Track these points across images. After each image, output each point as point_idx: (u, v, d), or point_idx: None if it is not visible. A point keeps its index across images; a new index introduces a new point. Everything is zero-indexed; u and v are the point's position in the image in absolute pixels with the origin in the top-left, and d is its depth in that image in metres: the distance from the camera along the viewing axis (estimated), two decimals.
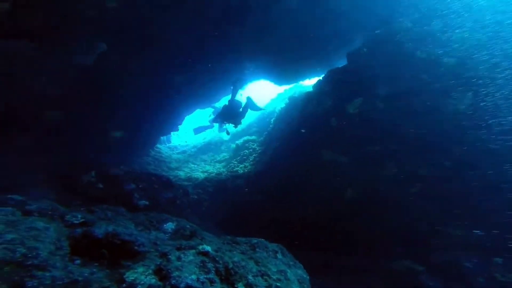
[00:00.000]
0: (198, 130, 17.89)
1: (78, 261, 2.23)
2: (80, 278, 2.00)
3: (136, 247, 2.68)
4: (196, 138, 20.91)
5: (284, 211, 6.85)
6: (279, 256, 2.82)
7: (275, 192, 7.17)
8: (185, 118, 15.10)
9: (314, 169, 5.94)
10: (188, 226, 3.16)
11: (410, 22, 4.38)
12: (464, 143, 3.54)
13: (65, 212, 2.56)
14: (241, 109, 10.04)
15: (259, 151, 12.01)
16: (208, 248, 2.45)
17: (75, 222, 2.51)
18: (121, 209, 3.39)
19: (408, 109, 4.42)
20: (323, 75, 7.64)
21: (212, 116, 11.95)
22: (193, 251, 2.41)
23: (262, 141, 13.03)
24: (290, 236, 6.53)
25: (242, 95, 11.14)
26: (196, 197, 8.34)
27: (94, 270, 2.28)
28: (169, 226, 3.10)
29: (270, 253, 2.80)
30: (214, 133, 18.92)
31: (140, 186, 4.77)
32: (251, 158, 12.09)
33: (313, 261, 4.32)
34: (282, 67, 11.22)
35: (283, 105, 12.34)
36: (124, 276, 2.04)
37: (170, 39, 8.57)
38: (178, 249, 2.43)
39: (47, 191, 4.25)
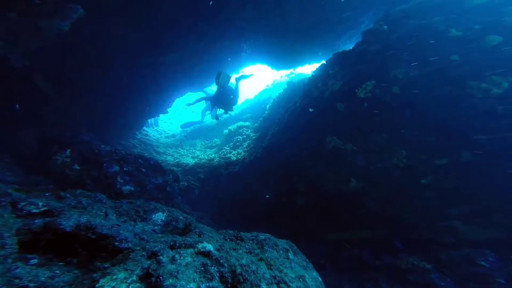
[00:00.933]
0: (185, 125, 17.04)
1: (34, 261, 1.67)
2: (31, 285, 1.45)
3: (117, 243, 2.14)
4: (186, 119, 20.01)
5: (282, 201, 6.46)
6: (291, 255, 2.36)
7: (273, 180, 6.73)
8: (176, 100, 14.24)
9: (317, 157, 5.50)
10: (181, 218, 2.63)
11: None
12: (495, 132, 3.16)
13: (19, 198, 1.95)
14: (231, 96, 9.60)
15: (253, 137, 11.48)
16: (209, 246, 1.94)
17: (34, 211, 1.91)
18: (100, 195, 2.79)
19: (429, 94, 3.98)
20: (326, 59, 7.12)
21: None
22: (191, 250, 1.89)
23: (256, 127, 12.48)
24: (288, 227, 6.20)
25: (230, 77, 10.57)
26: (186, 184, 7.77)
27: (57, 271, 1.73)
28: (159, 217, 2.56)
29: (281, 252, 2.34)
30: (206, 118, 18.15)
31: (124, 169, 4.14)
32: (245, 144, 11.56)
33: (312, 254, 3.97)
34: (283, 49, 10.54)
35: (280, 91, 11.76)
36: (97, 286, 1.51)
37: (161, 11, 7.66)
38: (172, 247, 1.91)
39: (10, 172, 3.56)
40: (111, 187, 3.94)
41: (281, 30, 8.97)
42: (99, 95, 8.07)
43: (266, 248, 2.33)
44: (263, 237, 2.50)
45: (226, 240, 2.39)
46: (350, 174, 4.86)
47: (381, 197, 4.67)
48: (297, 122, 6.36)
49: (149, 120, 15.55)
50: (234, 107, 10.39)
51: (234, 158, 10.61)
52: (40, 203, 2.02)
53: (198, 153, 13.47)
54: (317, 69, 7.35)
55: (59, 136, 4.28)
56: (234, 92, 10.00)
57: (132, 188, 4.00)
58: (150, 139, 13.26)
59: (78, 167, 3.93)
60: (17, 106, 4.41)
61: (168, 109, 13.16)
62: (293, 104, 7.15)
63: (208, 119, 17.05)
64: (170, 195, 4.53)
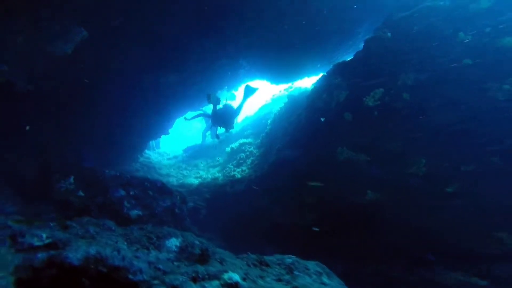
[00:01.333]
0: (188, 150, 16.91)
1: None
2: None
3: (130, 276, 1.89)
4: (187, 142, 19.93)
5: (294, 217, 6.15)
6: (325, 279, 2.10)
7: (283, 196, 6.47)
8: (176, 120, 14.25)
9: (328, 169, 5.29)
10: (197, 242, 2.38)
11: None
12: None
13: (20, 230, 1.74)
14: (231, 114, 9.59)
15: (256, 153, 11.30)
16: (236, 277, 1.70)
17: (36, 244, 1.70)
18: (108, 222, 2.57)
19: (442, 98, 3.88)
20: (327, 70, 7.17)
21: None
22: (217, 282, 1.65)
23: (259, 143, 12.34)
24: (302, 244, 5.84)
25: (226, 101, 10.65)
26: (192, 204, 7.46)
27: None
28: (173, 242, 2.32)
29: (314, 276, 2.08)
30: (207, 138, 18.08)
31: (131, 193, 3.92)
32: (249, 161, 11.35)
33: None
34: (281, 64, 10.70)
35: (281, 105, 11.78)
36: None
37: (161, 32, 7.83)
38: (195, 279, 1.67)
39: (10, 202, 3.34)
40: (118, 213, 3.70)
41: (277, 45, 9.14)
42: (99, 119, 8.00)
43: (296, 273, 2.07)
44: (290, 260, 2.25)
45: (249, 266, 2.14)
46: (366, 186, 4.64)
47: (402, 208, 4.41)
48: (303, 135, 6.24)
49: (150, 143, 15.45)
50: (234, 125, 10.38)
51: (239, 176, 10.35)
52: (44, 235, 1.80)
53: (201, 173, 13.21)
54: (318, 80, 7.37)
55: (62, 164, 4.12)
56: (235, 110, 9.98)
57: (140, 212, 3.76)
58: (152, 162, 13.08)
59: (82, 194, 3.71)
60: (27, 127, 4.28)
61: (169, 130, 13.11)
62: (297, 116, 7.07)
63: (209, 139, 16.96)
64: (178, 217, 4.27)
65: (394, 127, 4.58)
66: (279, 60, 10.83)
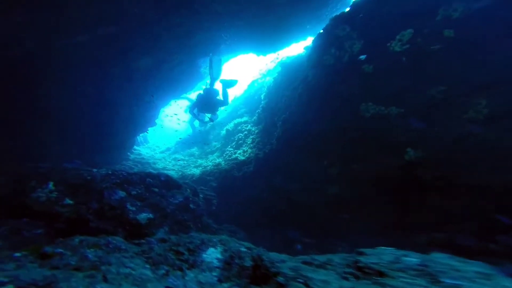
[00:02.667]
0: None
1: None
2: None
3: None
4: (178, 134, 18.84)
5: (314, 192, 5.60)
6: None
7: (298, 171, 5.86)
8: (161, 110, 13.10)
9: (351, 131, 4.64)
10: (243, 249, 1.70)
11: None
12: None
13: None
14: (218, 97, 8.80)
15: (256, 131, 10.56)
16: None
17: None
18: (113, 238, 1.81)
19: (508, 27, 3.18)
20: (317, 31, 6.38)
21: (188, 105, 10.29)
22: None
23: (256, 120, 11.55)
24: (329, 222, 5.34)
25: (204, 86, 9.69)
26: (201, 196, 6.78)
27: None
28: (212, 254, 1.63)
29: None
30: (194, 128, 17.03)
31: (132, 193, 3.15)
32: (249, 140, 10.63)
33: None
34: (266, 29, 9.62)
35: (275, 75, 10.87)
36: None
37: (124, 11, 6.54)
38: None
39: None
40: (122, 219, 2.95)
41: (260, 6, 8.03)
42: (74, 118, 6.90)
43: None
44: (416, 260, 1.48)
45: (345, 279, 1.42)
46: (404, 143, 4.01)
47: (457, 165, 3.74)
48: (313, 98, 5.49)
49: (138, 138, 14.31)
50: (225, 107, 9.41)
51: (242, 157, 9.66)
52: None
53: (200, 161, 12.42)
54: (316, 38, 6.49)
55: (35, 168, 3.24)
56: (223, 94, 9.02)
57: (150, 215, 3.03)
58: (145, 157, 12.10)
59: (70, 201, 2.91)
60: None
61: (156, 121, 12.02)
62: (301, 81, 6.26)
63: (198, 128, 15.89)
64: (196, 213, 3.59)
65: (434, 71, 3.88)
66: (264, 25, 9.71)
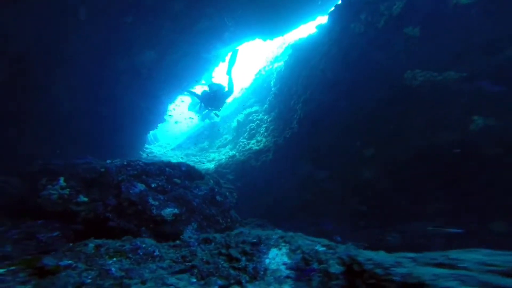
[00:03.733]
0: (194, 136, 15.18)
1: None
2: None
3: None
4: (186, 132, 18.48)
5: (347, 178, 5.06)
6: None
7: (327, 154, 5.31)
8: (168, 106, 12.67)
9: (396, 102, 4.00)
10: (320, 248, 1.20)
11: None
12: None
13: None
14: (224, 90, 8.64)
15: (268, 119, 10.01)
16: None
17: None
18: (142, 241, 1.32)
19: None
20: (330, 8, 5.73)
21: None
22: None
23: (267, 108, 10.98)
24: (371, 212, 4.78)
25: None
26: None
27: None
28: (277, 257, 1.13)
29: None
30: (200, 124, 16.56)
31: (153, 186, 2.70)
32: (262, 129, 10.10)
33: None
34: (274, 9, 8.96)
35: (286, 57, 10.21)
36: None
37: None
38: None
39: None
40: (145, 216, 2.51)
41: None
42: (81, 117, 6.51)
43: None
44: None
45: None
46: (469, 111, 3.36)
47: None
48: (341, 71, 4.87)
49: (148, 136, 13.99)
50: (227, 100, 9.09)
51: (256, 147, 9.17)
52: None
53: (212, 155, 12.01)
54: (336, 10, 5.83)
55: (45, 165, 2.81)
56: (228, 82, 8.71)
57: (176, 210, 2.57)
58: (157, 155, 11.75)
59: (85, 199, 2.48)
60: None
61: (164, 117, 11.62)
62: (324, 55, 5.63)
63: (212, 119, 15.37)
64: (223, 206, 3.12)
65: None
66: (270, 6, 9.06)
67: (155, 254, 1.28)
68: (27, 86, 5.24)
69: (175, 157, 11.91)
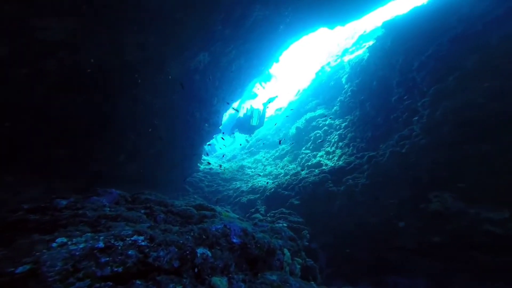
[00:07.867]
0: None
1: None
2: None
3: None
4: (241, 139, 17.32)
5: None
6: None
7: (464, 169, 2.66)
8: (223, 115, 11.54)
9: None
10: None
11: None
12: None
13: None
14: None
15: (344, 124, 7.50)
16: None
17: None
18: None
19: None
20: None
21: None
22: None
23: (338, 111, 8.44)
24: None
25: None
26: (283, 223, 4.30)
27: None
28: None
29: None
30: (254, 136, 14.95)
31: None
32: (334, 138, 7.65)
33: None
34: None
35: (373, 39, 7.61)
36: None
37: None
38: None
39: None
40: None
41: None
42: (133, 129, 5.52)
43: None
44: None
45: None
46: None
47: None
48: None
49: (205, 147, 13.19)
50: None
51: (328, 162, 6.79)
52: None
53: (269, 168, 10.11)
54: None
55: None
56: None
57: None
58: (213, 167, 10.58)
59: None
60: None
61: (220, 127, 10.40)
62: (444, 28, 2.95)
63: (263, 128, 13.60)
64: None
65: None
66: None
67: None
68: (91, 95, 4.38)
69: (229, 170, 10.48)
